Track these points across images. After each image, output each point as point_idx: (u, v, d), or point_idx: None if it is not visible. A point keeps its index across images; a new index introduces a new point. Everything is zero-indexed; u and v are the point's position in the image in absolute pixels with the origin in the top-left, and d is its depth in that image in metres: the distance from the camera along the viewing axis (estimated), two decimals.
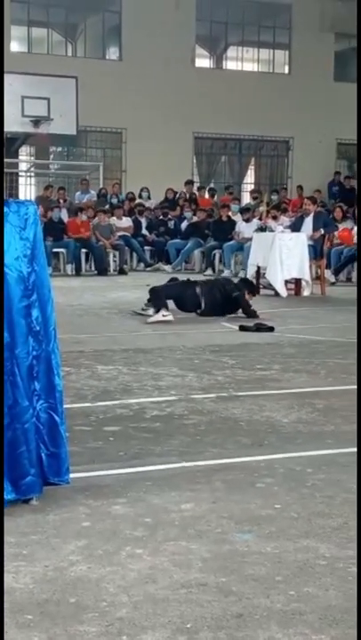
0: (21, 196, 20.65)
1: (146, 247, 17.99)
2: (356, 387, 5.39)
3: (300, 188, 21.25)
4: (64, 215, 17.44)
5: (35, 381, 3.19)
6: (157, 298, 8.98)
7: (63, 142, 21.95)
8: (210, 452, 3.93)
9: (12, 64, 17.33)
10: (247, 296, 9.49)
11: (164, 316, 8.71)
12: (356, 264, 15.24)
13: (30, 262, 3.17)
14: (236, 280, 10.30)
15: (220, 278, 11.60)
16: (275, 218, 15.23)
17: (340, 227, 15.97)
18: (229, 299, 9.35)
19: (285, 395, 5.18)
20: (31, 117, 18.27)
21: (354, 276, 15.47)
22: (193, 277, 10.40)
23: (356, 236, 15.50)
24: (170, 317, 8.74)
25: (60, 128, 18.93)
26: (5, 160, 18.34)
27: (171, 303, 9.10)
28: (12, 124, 17.51)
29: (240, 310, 9.29)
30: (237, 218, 17.33)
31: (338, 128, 22.93)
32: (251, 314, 9.15)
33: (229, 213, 17.64)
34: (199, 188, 20.90)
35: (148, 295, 9.19)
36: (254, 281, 12.32)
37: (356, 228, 15.73)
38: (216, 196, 20.63)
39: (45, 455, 3.21)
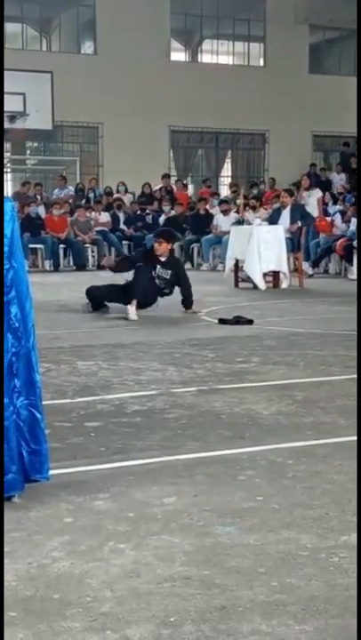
0: None
1: (124, 242, 17.97)
2: (342, 377, 5.42)
3: (272, 180, 21.30)
4: (41, 211, 17.39)
5: (15, 378, 3.18)
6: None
7: (39, 137, 21.89)
8: (191, 445, 3.93)
9: None
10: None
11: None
12: (333, 256, 15.30)
13: (8, 259, 3.17)
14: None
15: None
16: (254, 208, 15.23)
17: (310, 201, 15.81)
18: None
19: (265, 387, 5.19)
20: (7, 113, 18.21)
21: (331, 267, 15.54)
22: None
23: (335, 227, 15.56)
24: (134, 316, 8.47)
25: (36, 123, 18.92)
26: None
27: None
28: None
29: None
30: (215, 211, 17.35)
31: (313, 120, 23.02)
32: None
33: (207, 207, 17.65)
34: (176, 181, 20.92)
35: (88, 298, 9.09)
36: (233, 275, 12.38)
37: (338, 218, 15.75)
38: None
39: (26, 452, 3.21)
